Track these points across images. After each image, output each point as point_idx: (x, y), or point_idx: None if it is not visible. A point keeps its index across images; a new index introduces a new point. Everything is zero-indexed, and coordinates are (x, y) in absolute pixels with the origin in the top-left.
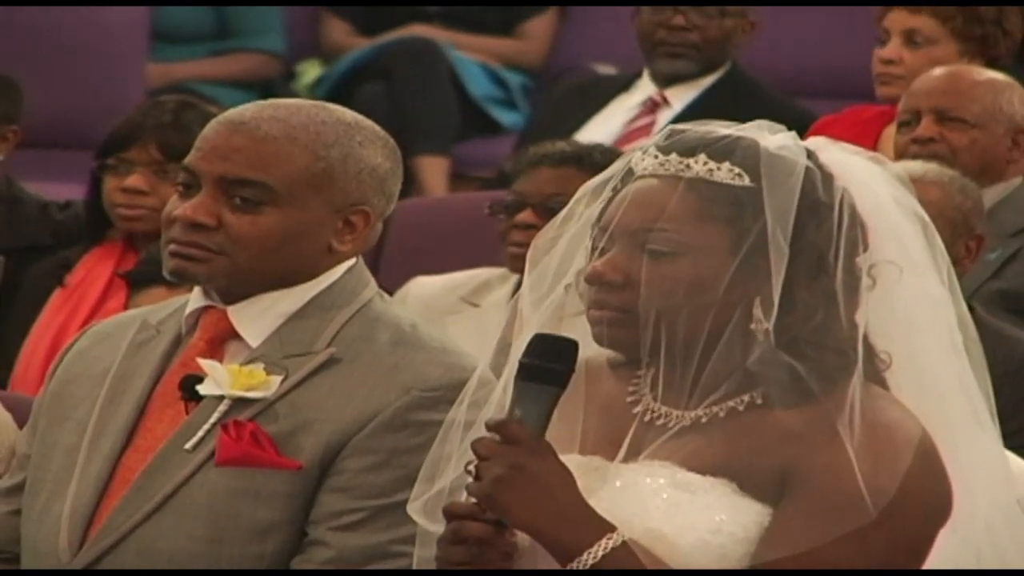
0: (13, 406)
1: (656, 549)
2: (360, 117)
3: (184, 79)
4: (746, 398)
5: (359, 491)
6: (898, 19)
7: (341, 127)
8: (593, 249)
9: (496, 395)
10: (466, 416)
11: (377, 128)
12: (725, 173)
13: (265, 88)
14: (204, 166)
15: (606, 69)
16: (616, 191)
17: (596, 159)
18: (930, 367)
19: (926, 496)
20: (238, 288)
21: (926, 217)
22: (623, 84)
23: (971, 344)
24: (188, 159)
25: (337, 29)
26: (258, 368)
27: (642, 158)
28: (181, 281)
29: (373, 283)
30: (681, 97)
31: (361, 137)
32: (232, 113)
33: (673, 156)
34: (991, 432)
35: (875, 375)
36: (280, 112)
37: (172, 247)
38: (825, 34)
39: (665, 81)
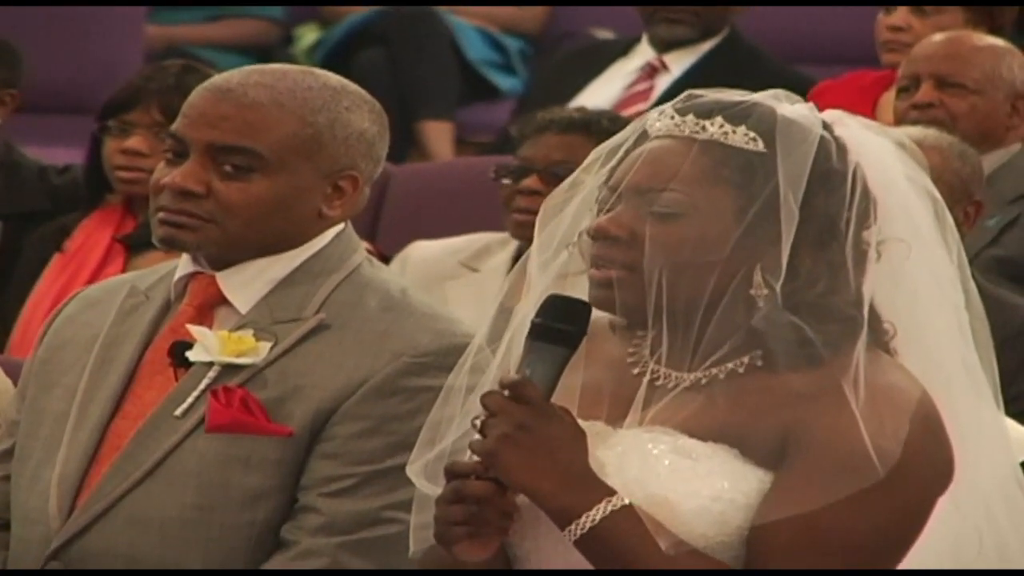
0: (12, 371)
1: (657, 515)
2: (346, 82)
3: (182, 43)
4: (746, 360)
5: (349, 457)
6: None
7: (328, 92)
8: (600, 208)
9: (498, 357)
10: (468, 380)
11: (363, 92)
12: (740, 137)
13: (262, 53)
14: (192, 133)
15: (604, 34)
16: (628, 153)
17: (604, 125)
18: (935, 344)
19: (927, 459)
20: (228, 255)
21: (938, 195)
22: (622, 49)
23: (978, 324)
24: (176, 126)
25: None
26: (247, 334)
27: (658, 118)
28: (170, 249)
29: (362, 248)
30: (680, 62)
31: (348, 102)
32: (218, 80)
33: (690, 117)
34: (995, 411)
35: (881, 343)
36: (267, 78)
37: (161, 215)
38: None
39: (664, 46)
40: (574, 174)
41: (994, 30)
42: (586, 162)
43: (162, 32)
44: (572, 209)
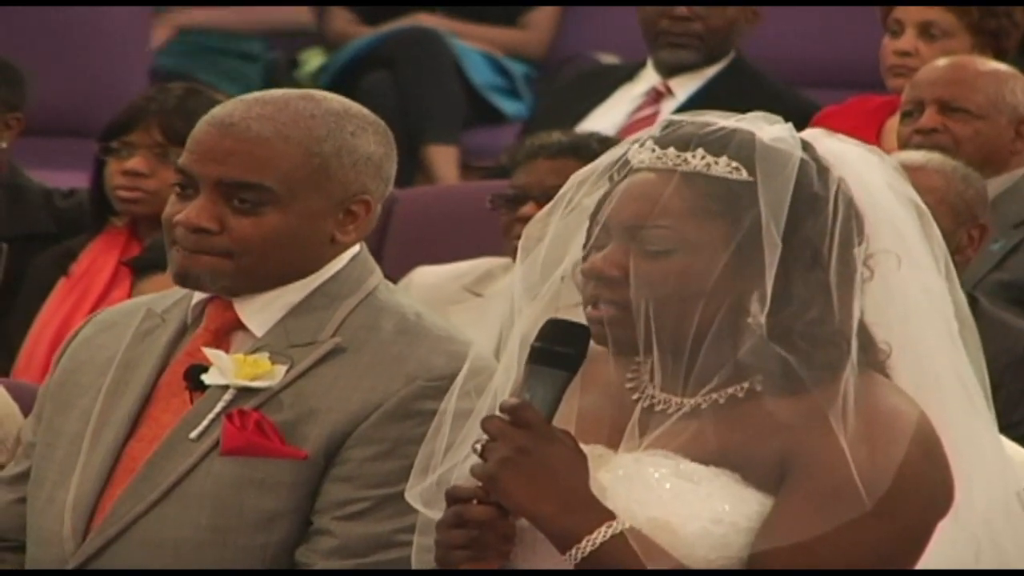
0: (17, 394)
1: (658, 538)
2: (348, 103)
3: (201, 25)
4: (746, 385)
5: (364, 480)
6: (913, 11)
7: (331, 118)
8: (588, 242)
9: (495, 382)
10: (457, 405)
11: (366, 112)
12: (723, 167)
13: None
14: (199, 169)
15: (609, 59)
16: (612, 181)
17: (593, 148)
18: (927, 356)
19: (925, 484)
20: (243, 288)
21: (922, 205)
22: (627, 74)
23: (968, 334)
24: (182, 161)
25: (341, 18)
26: (263, 357)
27: (639, 151)
28: (187, 284)
29: (378, 271)
30: (684, 87)
31: (352, 127)
32: (220, 113)
33: (671, 150)
34: (988, 421)
35: (876, 364)
36: (268, 110)
37: (176, 251)
38: (829, 24)
39: (668, 71)
40: (553, 200)
41: (998, 55)
42: (565, 187)
43: (178, 15)
44: (553, 233)
